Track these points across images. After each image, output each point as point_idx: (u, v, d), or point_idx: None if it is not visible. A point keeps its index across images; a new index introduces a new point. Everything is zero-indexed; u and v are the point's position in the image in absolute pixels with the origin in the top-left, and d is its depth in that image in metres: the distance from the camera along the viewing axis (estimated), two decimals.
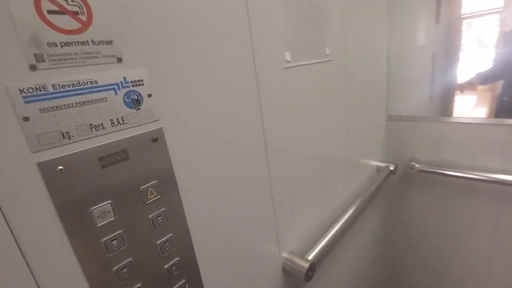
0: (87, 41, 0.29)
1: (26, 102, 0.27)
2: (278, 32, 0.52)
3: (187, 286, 0.43)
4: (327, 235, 0.71)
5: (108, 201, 0.33)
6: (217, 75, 0.43)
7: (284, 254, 0.63)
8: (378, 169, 1.04)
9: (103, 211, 0.33)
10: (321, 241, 0.69)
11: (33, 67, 0.27)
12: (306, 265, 0.60)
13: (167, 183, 0.39)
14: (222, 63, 0.43)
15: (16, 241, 0.27)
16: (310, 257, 0.64)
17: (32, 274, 0.29)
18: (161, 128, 0.37)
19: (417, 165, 1.01)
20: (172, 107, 0.38)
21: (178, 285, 0.42)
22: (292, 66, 0.55)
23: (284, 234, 0.62)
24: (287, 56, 0.53)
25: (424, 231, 1.13)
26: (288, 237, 0.64)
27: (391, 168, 1.02)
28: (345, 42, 0.72)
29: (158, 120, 0.37)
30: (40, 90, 0.27)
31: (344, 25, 0.71)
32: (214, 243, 0.47)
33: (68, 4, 0.28)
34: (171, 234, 0.40)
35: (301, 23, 0.57)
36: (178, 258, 0.41)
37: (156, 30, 0.35)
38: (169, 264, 0.40)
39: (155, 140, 0.37)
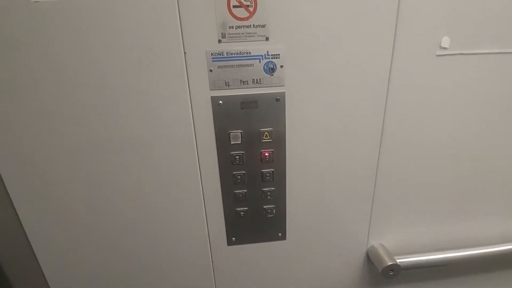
0: (250, 25, 0.45)
1: (213, 61, 0.47)
2: (436, 11, 0.46)
3: (274, 210, 0.58)
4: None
5: (239, 131, 0.52)
6: (343, 57, 0.48)
7: (374, 243, 0.64)
8: None
9: (235, 136, 0.52)
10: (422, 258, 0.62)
11: (219, 41, 0.46)
12: (389, 262, 0.59)
13: (279, 133, 0.52)
14: (353, 46, 0.47)
15: (194, 134, 0.52)
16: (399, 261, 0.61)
17: (197, 155, 0.53)
18: (284, 92, 0.49)
19: None
20: (296, 78, 0.49)
21: (268, 207, 0.58)
22: (450, 54, 0.48)
23: (380, 225, 0.62)
24: (445, 41, 0.47)
25: None
26: (385, 231, 0.64)
27: None
28: None
29: (283, 86, 0.49)
30: (220, 55, 0.47)
31: None
32: (304, 194, 0.58)
33: (245, 0, 0.43)
34: (272, 170, 0.55)
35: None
36: (273, 188, 0.57)
37: (296, 18, 0.45)
38: (266, 189, 0.56)
39: (278, 100, 0.50)
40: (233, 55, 0.47)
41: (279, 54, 0.47)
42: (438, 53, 0.48)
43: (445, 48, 0.48)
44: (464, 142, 0.57)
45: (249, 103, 0.50)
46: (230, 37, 0.45)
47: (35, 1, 0.40)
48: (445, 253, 0.63)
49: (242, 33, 0.45)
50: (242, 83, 0.49)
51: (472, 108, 0.54)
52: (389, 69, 0.49)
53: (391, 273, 0.59)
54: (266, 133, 0.52)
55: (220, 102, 0.49)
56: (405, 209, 0.63)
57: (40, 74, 0.44)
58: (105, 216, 0.55)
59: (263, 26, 0.45)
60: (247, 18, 0.44)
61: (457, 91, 0.52)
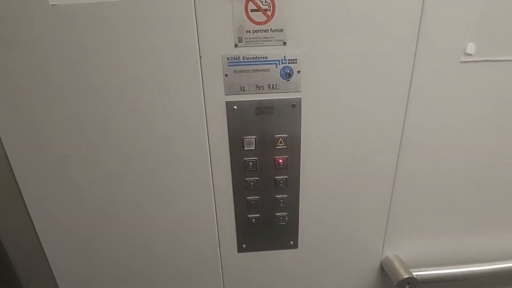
0: (268, 29, 0.44)
1: (228, 65, 0.46)
2: (461, 16, 0.44)
3: (286, 218, 0.57)
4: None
5: (254, 136, 0.51)
6: (363, 63, 0.46)
7: (388, 253, 0.62)
8: None
9: (249, 141, 0.51)
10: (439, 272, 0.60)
11: (236, 45, 0.45)
12: (406, 275, 0.57)
13: (294, 139, 0.51)
14: (373, 52, 0.46)
15: (208, 139, 0.51)
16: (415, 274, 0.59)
17: (210, 160, 0.52)
18: (300, 98, 0.48)
19: None
20: (314, 84, 0.47)
21: (281, 214, 0.57)
22: (475, 61, 0.46)
23: (396, 235, 0.60)
24: (470, 48, 0.45)
25: None
26: (401, 241, 0.61)
27: None
28: None
29: (300, 91, 0.48)
30: (236, 59, 0.46)
31: None
32: (318, 202, 0.57)
33: (262, 4, 0.42)
34: (286, 177, 0.54)
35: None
36: (286, 195, 0.55)
37: (315, 22, 0.43)
38: (279, 196, 0.55)
39: (293, 106, 0.49)
40: (250, 60, 0.46)
41: (296, 59, 0.46)
42: (462, 59, 0.46)
43: (470, 55, 0.46)
44: (486, 151, 0.55)
45: (264, 108, 0.49)
46: (246, 41, 0.44)
47: (53, 4, 0.40)
48: (465, 267, 0.60)
49: (259, 38, 0.44)
50: (257, 88, 0.48)
51: (497, 117, 0.52)
52: (410, 76, 0.47)
53: (407, 287, 0.57)
54: (280, 139, 0.51)
55: (235, 107, 0.48)
56: (423, 219, 0.60)
57: (57, 76, 0.44)
58: (116, 219, 0.55)
59: (281, 30, 0.44)
60: (264, 22, 0.43)
61: (482, 99, 0.50)
